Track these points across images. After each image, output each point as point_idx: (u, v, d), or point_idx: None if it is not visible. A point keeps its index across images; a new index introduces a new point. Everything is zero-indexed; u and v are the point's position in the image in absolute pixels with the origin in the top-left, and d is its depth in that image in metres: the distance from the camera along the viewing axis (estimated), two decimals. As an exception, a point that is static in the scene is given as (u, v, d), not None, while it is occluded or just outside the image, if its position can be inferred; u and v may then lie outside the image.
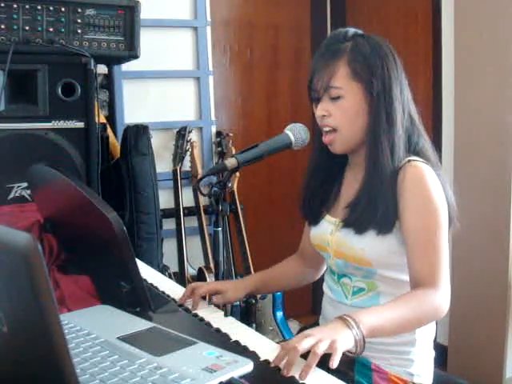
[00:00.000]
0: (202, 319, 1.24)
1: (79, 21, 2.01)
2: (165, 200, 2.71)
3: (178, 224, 2.65)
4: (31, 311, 0.63)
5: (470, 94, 2.47)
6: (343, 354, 0.98)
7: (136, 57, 2.15)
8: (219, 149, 2.87)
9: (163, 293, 1.44)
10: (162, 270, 2.45)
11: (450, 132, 2.60)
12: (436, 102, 2.70)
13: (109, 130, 2.49)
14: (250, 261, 2.70)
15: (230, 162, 1.33)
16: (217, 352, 0.98)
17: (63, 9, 1.98)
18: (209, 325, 1.21)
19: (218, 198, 1.39)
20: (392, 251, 1.25)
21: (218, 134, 2.91)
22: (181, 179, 2.69)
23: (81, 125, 2.02)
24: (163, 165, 2.76)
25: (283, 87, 3.37)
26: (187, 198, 2.80)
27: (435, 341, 1.35)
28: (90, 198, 1.19)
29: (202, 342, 1.03)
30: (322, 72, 1.27)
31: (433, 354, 1.34)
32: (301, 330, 1.64)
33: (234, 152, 2.70)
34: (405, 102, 1.28)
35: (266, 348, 1.09)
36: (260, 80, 3.33)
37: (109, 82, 2.61)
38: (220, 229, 1.40)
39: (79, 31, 2.01)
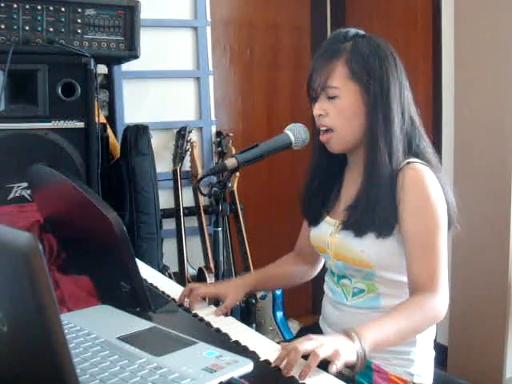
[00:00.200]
0: (201, 319, 1.24)
1: (79, 21, 2.01)
2: (165, 200, 2.71)
3: (178, 224, 2.65)
4: (31, 311, 0.63)
5: (470, 94, 2.47)
6: (340, 372, 0.99)
7: (136, 57, 2.15)
8: (219, 149, 2.87)
9: (163, 293, 1.44)
10: (162, 270, 2.45)
11: (450, 132, 2.60)
12: (436, 102, 2.70)
13: (109, 130, 2.49)
14: (250, 261, 2.70)
15: (230, 161, 1.33)
16: (217, 352, 0.98)
17: (63, 9, 1.98)
18: (209, 325, 1.21)
19: (218, 197, 1.39)
20: (392, 253, 1.24)
21: (218, 133, 2.91)
22: (181, 179, 2.69)
23: (81, 125, 2.02)
24: (163, 165, 2.76)
25: (283, 87, 3.37)
26: (187, 198, 2.80)
27: (435, 341, 1.35)
28: (90, 198, 1.19)
29: (202, 342, 1.03)
30: (320, 71, 1.27)
31: (433, 353, 1.33)
32: (301, 330, 1.64)
33: (233, 152, 2.70)
34: (404, 103, 1.27)
35: (266, 348, 1.09)
36: (260, 80, 3.32)
37: (109, 82, 2.61)
38: (220, 229, 1.40)
39: (79, 31, 2.01)
